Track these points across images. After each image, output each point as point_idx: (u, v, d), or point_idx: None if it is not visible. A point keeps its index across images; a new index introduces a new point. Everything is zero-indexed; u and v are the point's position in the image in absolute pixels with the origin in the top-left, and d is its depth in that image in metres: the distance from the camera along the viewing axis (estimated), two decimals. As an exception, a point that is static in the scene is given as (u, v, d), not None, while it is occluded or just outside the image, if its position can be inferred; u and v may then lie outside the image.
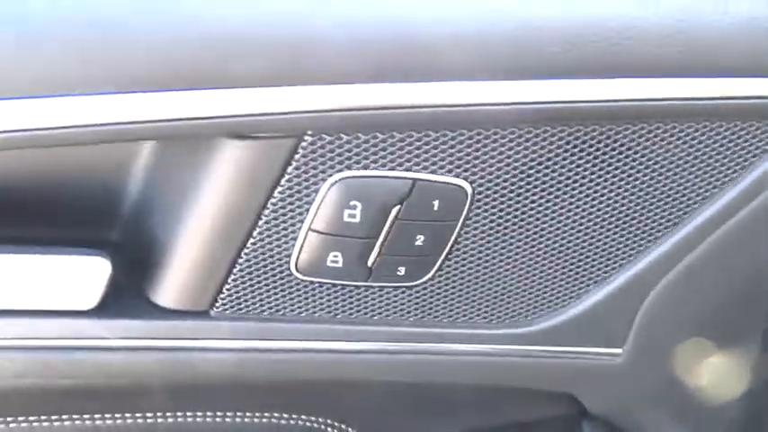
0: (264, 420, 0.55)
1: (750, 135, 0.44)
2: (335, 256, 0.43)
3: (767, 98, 0.43)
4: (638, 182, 0.45)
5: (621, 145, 0.43)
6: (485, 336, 0.50)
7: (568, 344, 0.51)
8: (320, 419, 0.57)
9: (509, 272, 0.47)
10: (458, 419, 0.60)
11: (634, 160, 0.44)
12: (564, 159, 0.43)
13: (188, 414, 0.53)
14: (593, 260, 0.48)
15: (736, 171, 0.46)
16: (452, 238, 0.44)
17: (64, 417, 0.51)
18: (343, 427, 0.57)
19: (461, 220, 0.44)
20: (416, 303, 0.48)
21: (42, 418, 0.51)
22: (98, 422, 0.52)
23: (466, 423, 0.60)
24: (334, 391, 0.54)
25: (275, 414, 0.55)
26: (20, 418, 0.50)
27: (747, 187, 0.46)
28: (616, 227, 0.47)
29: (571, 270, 0.48)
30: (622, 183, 0.45)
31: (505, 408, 0.60)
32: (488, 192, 0.43)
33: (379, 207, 0.41)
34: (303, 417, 0.56)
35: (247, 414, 0.55)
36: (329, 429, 0.57)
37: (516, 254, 0.47)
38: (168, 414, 0.53)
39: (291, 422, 0.56)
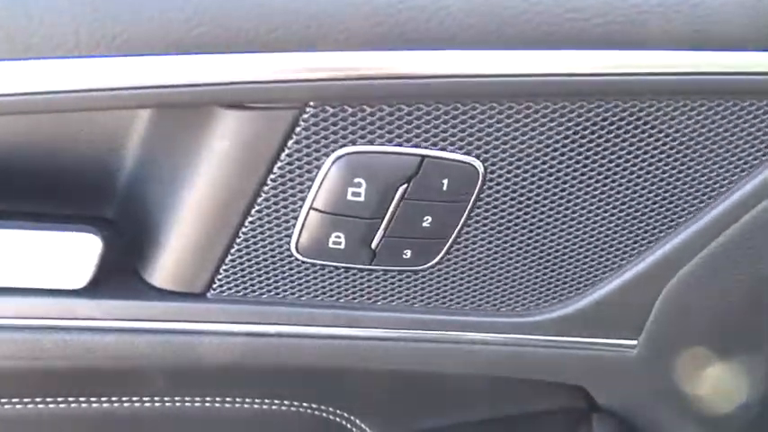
0: (265, 407, 0.55)
1: None
2: (338, 237, 0.42)
3: None
4: (661, 163, 0.43)
5: (645, 123, 0.42)
6: (493, 324, 0.49)
7: (581, 334, 0.50)
8: (322, 407, 0.57)
9: (521, 257, 0.46)
10: (464, 410, 0.59)
11: (658, 140, 0.42)
12: (583, 138, 0.41)
13: (186, 399, 0.54)
14: (610, 247, 0.47)
15: (766, 154, 0.44)
16: (462, 219, 0.43)
17: (55, 400, 0.51)
18: (345, 415, 0.57)
19: (472, 200, 0.42)
20: (423, 289, 0.47)
21: (32, 400, 0.51)
22: (93, 404, 0.52)
23: (471, 414, 0.60)
24: (335, 379, 0.54)
25: (275, 401, 0.56)
26: (7, 401, 0.50)
27: None
28: (636, 211, 0.45)
29: (586, 257, 0.47)
30: (644, 164, 0.43)
31: (512, 399, 0.60)
32: (501, 171, 0.42)
33: (385, 185, 0.40)
34: (304, 404, 0.56)
35: (246, 400, 0.55)
36: (330, 418, 0.57)
37: (529, 238, 0.45)
38: (163, 398, 0.53)
39: (292, 410, 0.56)
